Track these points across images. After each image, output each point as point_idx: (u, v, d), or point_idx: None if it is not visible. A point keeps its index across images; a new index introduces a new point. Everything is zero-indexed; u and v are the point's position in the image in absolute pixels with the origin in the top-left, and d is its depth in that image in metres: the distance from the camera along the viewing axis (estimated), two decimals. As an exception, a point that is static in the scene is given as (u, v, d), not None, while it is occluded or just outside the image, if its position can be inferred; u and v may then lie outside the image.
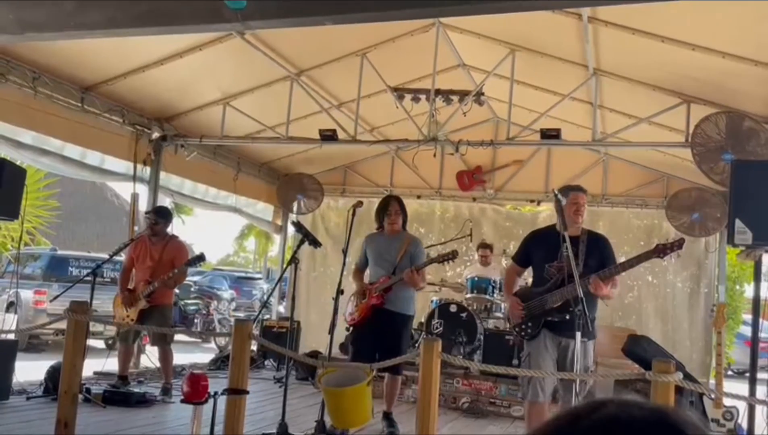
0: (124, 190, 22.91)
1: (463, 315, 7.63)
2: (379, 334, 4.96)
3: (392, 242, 5.25)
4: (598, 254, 4.10)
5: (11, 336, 6.44)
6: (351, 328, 5.29)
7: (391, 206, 5.31)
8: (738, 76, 5.50)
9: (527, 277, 5.04)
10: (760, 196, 4.50)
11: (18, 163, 6.28)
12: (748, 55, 5.07)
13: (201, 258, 6.64)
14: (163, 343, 6.28)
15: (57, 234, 17.14)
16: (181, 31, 4.74)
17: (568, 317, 3.91)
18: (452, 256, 5.16)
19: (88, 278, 6.15)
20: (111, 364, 6.66)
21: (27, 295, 10.41)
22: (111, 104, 7.05)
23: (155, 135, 7.71)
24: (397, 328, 5.05)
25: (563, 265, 4.08)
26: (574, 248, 3.97)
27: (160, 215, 6.51)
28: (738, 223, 4.39)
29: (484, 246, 8.63)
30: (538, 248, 4.36)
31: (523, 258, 4.51)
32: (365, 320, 5.04)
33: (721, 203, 7.55)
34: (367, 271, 5.44)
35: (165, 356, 6.31)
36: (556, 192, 4.11)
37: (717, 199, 7.61)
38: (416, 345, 7.32)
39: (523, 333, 4.23)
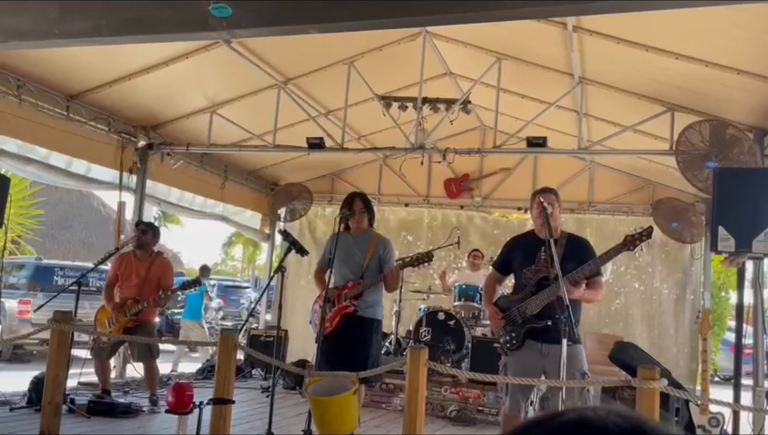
0: (110, 198, 22.74)
1: (451, 323, 7.63)
2: (350, 341, 4.75)
3: (359, 243, 4.95)
4: (577, 257, 3.99)
5: (-5, 346, 6.36)
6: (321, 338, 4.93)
7: (354, 205, 4.97)
8: (721, 85, 5.56)
9: (508, 284, 5.00)
10: (742, 204, 4.54)
11: (2, 171, 6.24)
12: (731, 64, 5.12)
13: (197, 282, 6.60)
14: (148, 358, 6.20)
15: (42, 242, 17.02)
16: (166, 39, 4.73)
17: (549, 323, 3.86)
18: (427, 258, 4.94)
19: (73, 287, 6.09)
20: (89, 373, 6.57)
21: (11, 304, 10.30)
22: (96, 112, 7.01)
23: (141, 143, 7.68)
24: (368, 335, 4.86)
25: (540, 268, 4.04)
26: (550, 251, 3.90)
27: (151, 227, 6.48)
28: (721, 231, 4.43)
29: (476, 251, 8.70)
30: (517, 254, 4.28)
31: (502, 264, 4.42)
32: (336, 329, 4.78)
33: (698, 214, 7.69)
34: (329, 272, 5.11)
35: (150, 371, 6.23)
36: (541, 200, 4.11)
37: (695, 209, 7.74)
38: (402, 353, 7.31)
39: (508, 345, 4.14)
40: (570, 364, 3.81)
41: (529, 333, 4.05)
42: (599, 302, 4.51)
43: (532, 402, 4.12)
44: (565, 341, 3.69)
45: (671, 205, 7.79)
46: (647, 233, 3.95)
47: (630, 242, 3.93)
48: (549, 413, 0.68)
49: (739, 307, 5.78)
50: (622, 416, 0.65)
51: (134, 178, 7.74)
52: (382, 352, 8.02)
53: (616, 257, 3.95)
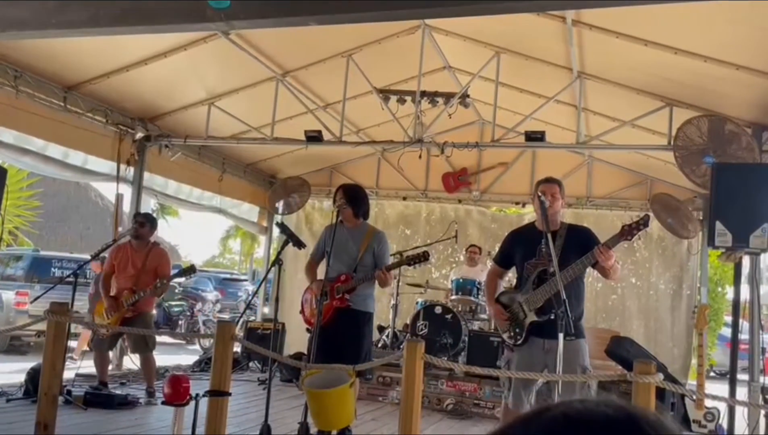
0: (107, 190, 22.67)
1: (448, 316, 7.64)
2: (342, 334, 4.72)
3: (353, 235, 4.88)
4: (578, 247, 3.93)
5: (-9, 337, 6.36)
6: (311, 330, 4.89)
7: (336, 196, 4.93)
8: (720, 80, 5.56)
9: (512, 277, 4.97)
10: (740, 199, 4.55)
11: (-1, 162, 6.23)
12: (730, 59, 5.12)
13: (192, 270, 6.60)
14: (145, 350, 6.19)
15: (40, 234, 17.01)
16: (164, 30, 4.71)
17: (552, 317, 3.84)
18: (423, 258, 4.90)
19: (71, 279, 6.08)
20: (87, 365, 6.57)
21: (8, 296, 10.29)
22: (94, 104, 6.98)
23: (139, 135, 7.66)
24: (359, 328, 4.83)
25: (540, 261, 4.01)
26: (548, 244, 3.86)
27: (149, 219, 6.47)
28: (718, 226, 4.43)
29: (473, 246, 8.70)
30: (518, 247, 4.24)
31: (503, 258, 4.37)
32: (328, 322, 4.73)
33: (693, 209, 7.73)
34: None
35: (147, 363, 6.22)
36: (539, 193, 4.09)
37: (688, 206, 7.78)
38: (399, 346, 7.33)
39: (513, 341, 4.11)
40: (571, 359, 3.79)
41: (533, 329, 4.03)
42: (617, 280, 4.46)
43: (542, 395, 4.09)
44: (561, 336, 3.68)
45: (665, 201, 7.80)
46: (644, 222, 3.89)
47: (627, 232, 3.87)
48: (538, 409, 0.66)
49: (736, 302, 5.79)
50: (612, 407, 0.63)
51: (132, 170, 7.72)
52: (379, 345, 8.05)
53: (614, 248, 3.90)
